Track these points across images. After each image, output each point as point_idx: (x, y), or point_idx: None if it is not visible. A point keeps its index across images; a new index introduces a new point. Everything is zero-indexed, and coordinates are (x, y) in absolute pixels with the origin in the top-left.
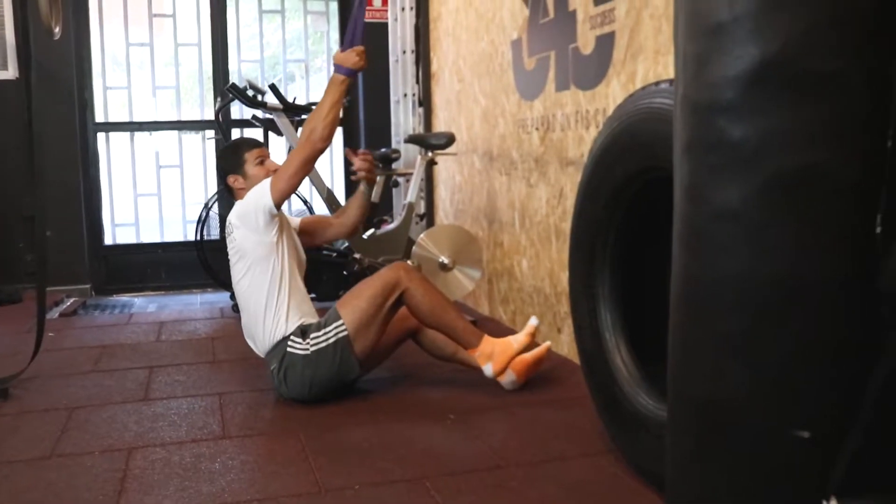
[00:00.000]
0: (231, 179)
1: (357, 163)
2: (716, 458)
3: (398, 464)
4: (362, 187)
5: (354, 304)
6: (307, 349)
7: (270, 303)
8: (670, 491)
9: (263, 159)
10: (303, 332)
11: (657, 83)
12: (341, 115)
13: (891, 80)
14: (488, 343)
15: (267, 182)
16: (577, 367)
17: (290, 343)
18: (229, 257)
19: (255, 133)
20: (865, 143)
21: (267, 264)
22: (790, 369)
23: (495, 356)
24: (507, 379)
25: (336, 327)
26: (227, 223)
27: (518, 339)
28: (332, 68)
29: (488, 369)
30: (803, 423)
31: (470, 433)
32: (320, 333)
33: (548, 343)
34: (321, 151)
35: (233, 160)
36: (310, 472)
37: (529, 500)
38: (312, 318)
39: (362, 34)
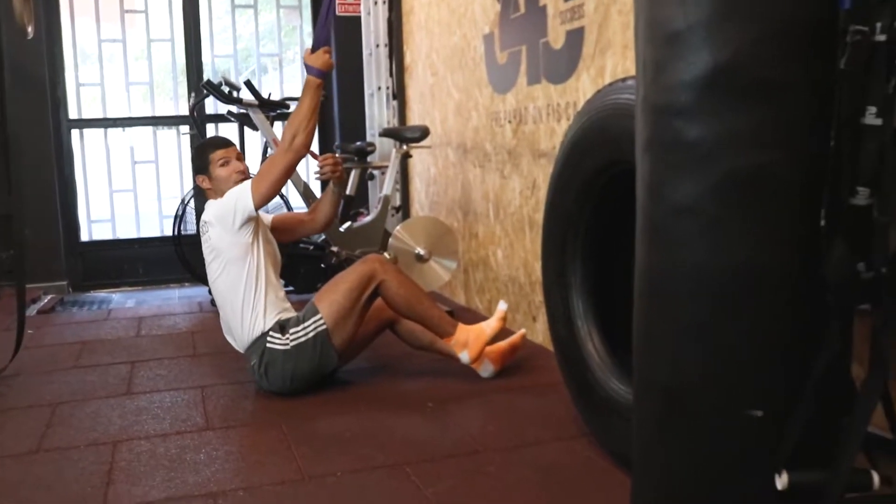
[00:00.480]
0: (199, 179)
1: (319, 166)
2: (677, 439)
3: (379, 451)
4: (332, 185)
5: (331, 298)
6: (287, 344)
7: (248, 300)
8: (637, 471)
9: (228, 160)
10: (281, 327)
11: (624, 79)
12: None
13: (832, 87)
14: (463, 331)
15: (248, 184)
16: (552, 355)
17: (269, 338)
18: (204, 256)
19: (231, 128)
20: (810, 145)
21: (243, 263)
22: (744, 355)
23: (470, 343)
24: (484, 367)
25: (315, 321)
26: (202, 222)
27: (490, 325)
28: None
29: (465, 356)
30: (757, 405)
31: (448, 420)
32: (299, 328)
33: (523, 331)
34: (303, 157)
35: (199, 161)
36: (292, 460)
37: (506, 484)
38: (290, 313)
39: (329, 33)
